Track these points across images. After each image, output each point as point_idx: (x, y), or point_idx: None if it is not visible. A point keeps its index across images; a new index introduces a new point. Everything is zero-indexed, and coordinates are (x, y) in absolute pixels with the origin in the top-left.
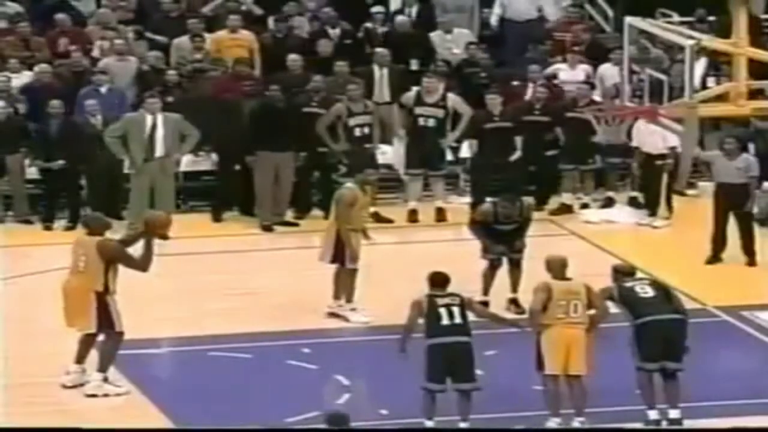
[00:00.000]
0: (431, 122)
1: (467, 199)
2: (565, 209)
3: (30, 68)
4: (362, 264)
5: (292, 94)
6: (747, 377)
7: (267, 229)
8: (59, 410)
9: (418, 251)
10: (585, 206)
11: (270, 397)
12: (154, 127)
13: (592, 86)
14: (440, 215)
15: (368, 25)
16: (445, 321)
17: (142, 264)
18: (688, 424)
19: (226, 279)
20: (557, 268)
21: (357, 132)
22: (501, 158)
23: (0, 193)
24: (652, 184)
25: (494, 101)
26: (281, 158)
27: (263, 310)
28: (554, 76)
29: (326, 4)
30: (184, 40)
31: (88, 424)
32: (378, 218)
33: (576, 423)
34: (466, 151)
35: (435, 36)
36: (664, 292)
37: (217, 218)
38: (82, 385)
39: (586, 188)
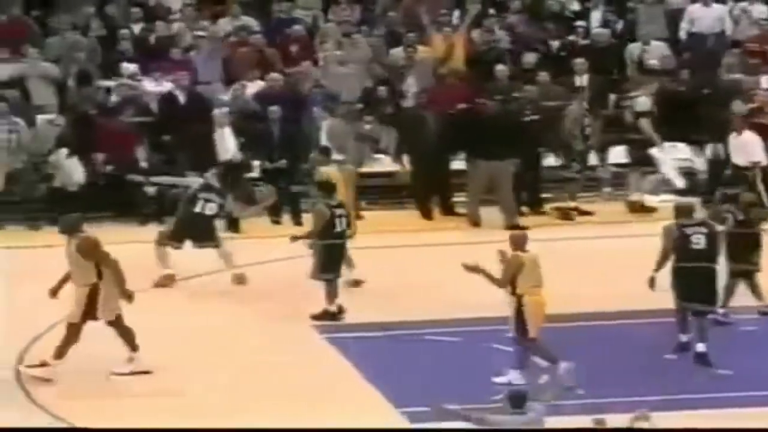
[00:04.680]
0: None
1: None
2: None
3: (263, 77)
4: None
5: (500, 102)
6: None
7: (474, 224)
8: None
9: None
10: None
11: (476, 377)
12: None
13: None
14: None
15: (571, 37)
16: (338, 228)
17: (117, 273)
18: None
19: (433, 272)
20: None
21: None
22: None
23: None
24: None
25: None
26: (497, 167)
27: (471, 298)
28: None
29: (527, 19)
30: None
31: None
32: (580, 212)
33: None
34: None
35: (634, 47)
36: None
37: (427, 216)
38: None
39: None
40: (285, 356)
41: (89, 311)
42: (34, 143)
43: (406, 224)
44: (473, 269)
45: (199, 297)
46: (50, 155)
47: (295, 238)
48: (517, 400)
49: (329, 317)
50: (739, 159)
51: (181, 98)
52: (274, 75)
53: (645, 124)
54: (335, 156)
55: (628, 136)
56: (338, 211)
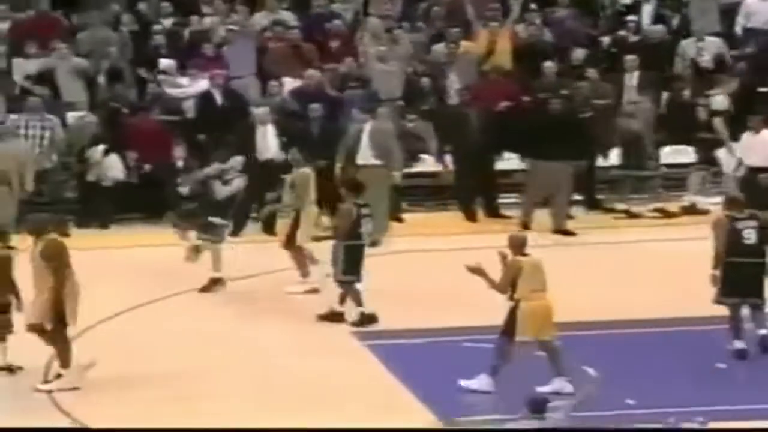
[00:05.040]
0: None
1: None
2: None
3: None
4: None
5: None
6: None
7: (525, 227)
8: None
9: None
10: None
11: (518, 387)
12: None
13: None
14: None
15: (621, 33)
16: (363, 228)
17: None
18: None
19: (476, 276)
20: None
21: None
22: None
23: None
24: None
25: None
26: (560, 168)
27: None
28: None
29: (576, 14)
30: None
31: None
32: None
33: None
34: None
35: (688, 43)
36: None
37: (471, 218)
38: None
39: None
40: (322, 362)
41: (59, 313)
42: (66, 141)
43: (449, 226)
44: (475, 271)
45: (234, 300)
46: (83, 153)
47: (317, 239)
48: (537, 405)
49: (367, 321)
50: (754, 159)
51: (218, 97)
52: (311, 72)
53: (719, 123)
54: (373, 160)
55: (690, 136)
56: (364, 211)
